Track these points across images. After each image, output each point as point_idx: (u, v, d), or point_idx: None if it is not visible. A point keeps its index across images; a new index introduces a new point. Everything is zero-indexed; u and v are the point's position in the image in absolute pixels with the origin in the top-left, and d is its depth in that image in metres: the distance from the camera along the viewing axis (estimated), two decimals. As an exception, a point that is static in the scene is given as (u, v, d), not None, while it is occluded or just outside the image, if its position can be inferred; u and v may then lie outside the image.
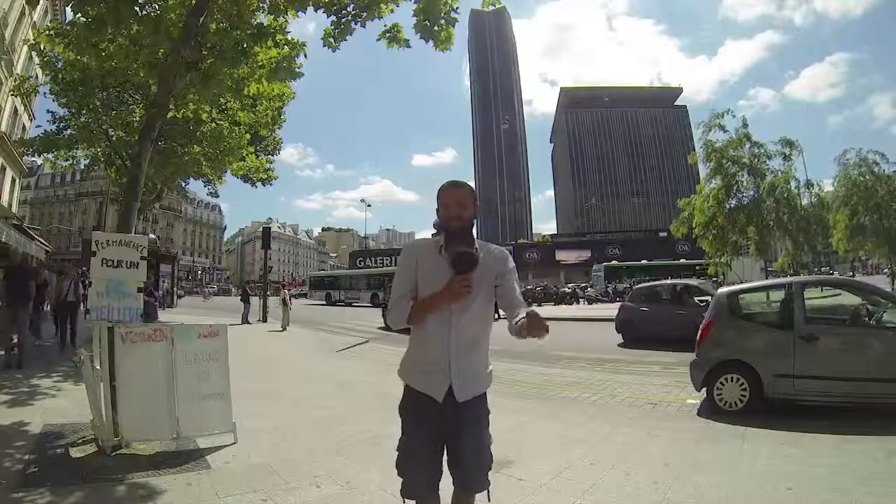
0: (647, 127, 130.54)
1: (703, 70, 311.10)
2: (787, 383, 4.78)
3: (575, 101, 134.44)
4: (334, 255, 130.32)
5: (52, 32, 9.29)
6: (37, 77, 16.69)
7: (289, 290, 18.52)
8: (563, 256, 59.74)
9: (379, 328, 14.91)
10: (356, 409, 5.25)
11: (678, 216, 21.96)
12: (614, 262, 42.26)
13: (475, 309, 1.86)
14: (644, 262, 41.27)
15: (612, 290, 33.19)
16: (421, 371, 1.91)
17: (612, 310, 22.81)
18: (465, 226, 1.88)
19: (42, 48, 11.68)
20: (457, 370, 1.85)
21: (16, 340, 7.28)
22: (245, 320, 16.83)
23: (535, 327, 1.64)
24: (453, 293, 1.77)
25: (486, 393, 1.96)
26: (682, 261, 39.65)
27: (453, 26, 6.21)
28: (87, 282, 11.08)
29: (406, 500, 1.93)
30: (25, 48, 18.00)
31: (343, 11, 6.27)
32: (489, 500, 1.98)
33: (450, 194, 1.90)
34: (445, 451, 1.91)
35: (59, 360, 7.67)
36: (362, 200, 77.00)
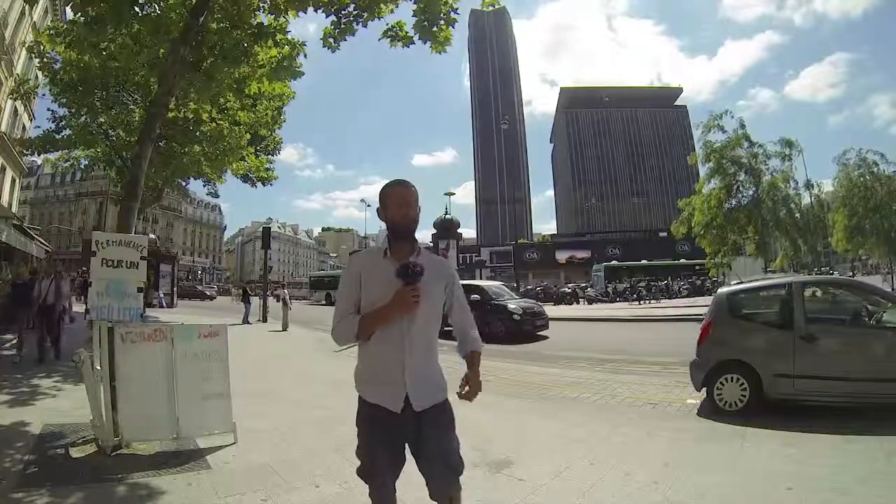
0: (647, 127, 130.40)
1: (702, 70, 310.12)
2: (787, 383, 4.78)
3: (575, 101, 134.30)
4: (334, 255, 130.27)
5: (52, 32, 9.30)
6: (36, 78, 16.69)
7: (285, 289, 18.50)
8: (563, 256, 59.67)
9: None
10: (356, 409, 5.24)
11: (678, 216, 21.98)
12: (614, 262, 42.24)
13: (426, 316, 1.85)
14: (644, 261, 41.26)
15: (613, 290, 33.18)
16: (376, 383, 1.88)
17: (611, 310, 22.85)
18: (409, 225, 1.87)
19: (42, 48, 11.68)
20: (412, 379, 1.82)
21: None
22: (245, 321, 16.83)
23: (473, 392, 1.92)
24: (402, 304, 1.76)
25: (447, 400, 1.93)
26: (682, 261, 39.64)
27: (453, 27, 6.21)
28: (74, 282, 10.16)
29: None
30: (30, 45, 17.98)
31: (343, 12, 6.27)
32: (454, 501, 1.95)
33: (396, 193, 1.89)
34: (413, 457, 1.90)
35: (56, 363, 7.67)
36: (362, 200, 77.12)
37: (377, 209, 1.94)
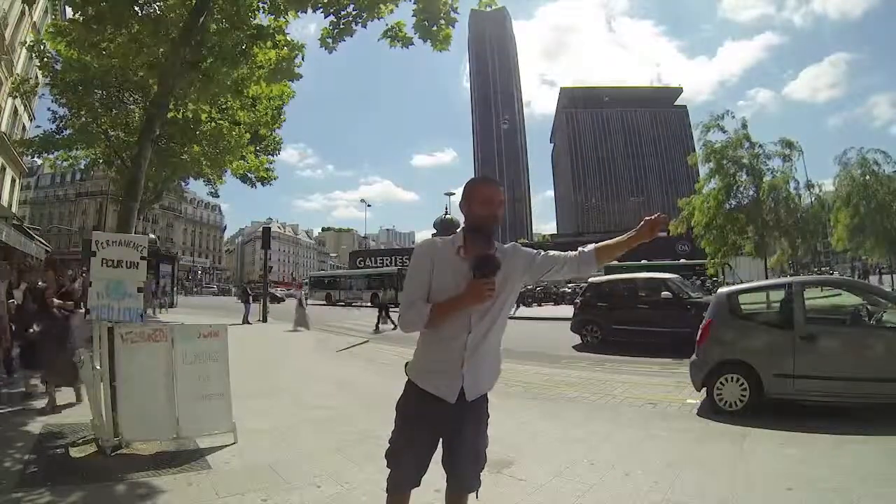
0: (647, 127, 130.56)
1: (702, 70, 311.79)
2: (787, 383, 4.77)
3: (575, 101, 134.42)
4: (334, 255, 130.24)
5: (53, 30, 9.29)
6: (36, 78, 16.70)
7: (301, 290, 18.27)
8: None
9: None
10: (356, 409, 5.25)
11: (678, 216, 22.00)
12: (614, 262, 42.15)
13: (495, 311, 1.85)
14: (644, 261, 41.22)
15: None
16: (434, 372, 1.87)
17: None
18: (490, 227, 1.84)
19: (43, 47, 11.68)
20: (469, 371, 1.83)
21: None
22: (245, 321, 16.83)
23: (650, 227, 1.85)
24: (477, 296, 1.74)
25: (486, 394, 1.96)
26: (682, 261, 39.64)
27: (453, 27, 6.20)
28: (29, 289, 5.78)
29: (389, 491, 1.97)
30: (30, 45, 18.01)
31: (343, 12, 6.26)
32: (476, 498, 2.00)
33: (484, 190, 1.85)
34: (442, 449, 1.93)
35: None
36: (362, 200, 77.19)
37: (459, 202, 1.90)
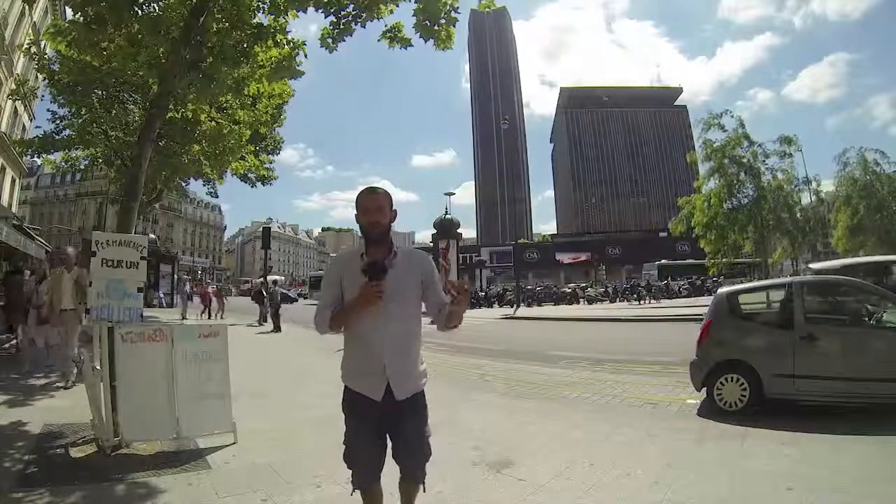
0: (647, 127, 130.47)
1: (702, 71, 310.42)
2: (787, 383, 4.77)
3: (575, 101, 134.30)
4: (334, 255, 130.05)
5: (52, 30, 9.27)
6: (36, 78, 16.68)
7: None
8: (563, 256, 59.60)
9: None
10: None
11: (678, 215, 22.01)
12: (664, 261, 42.59)
13: (404, 311, 1.96)
14: (690, 261, 41.65)
15: (613, 290, 32.46)
16: (358, 373, 2.03)
17: (611, 310, 22.83)
18: (375, 232, 1.97)
19: (42, 47, 11.66)
20: (392, 371, 1.95)
21: None
22: (260, 322, 16.63)
23: (452, 319, 1.94)
24: (366, 299, 1.87)
25: (423, 391, 2.07)
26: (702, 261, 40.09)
27: (454, 26, 6.19)
28: None
29: (355, 490, 2.10)
30: (26, 47, 17.98)
31: (343, 12, 6.26)
32: (423, 491, 2.12)
33: (368, 200, 2.00)
34: (389, 443, 2.04)
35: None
36: (362, 200, 76.88)
37: (355, 214, 2.03)
